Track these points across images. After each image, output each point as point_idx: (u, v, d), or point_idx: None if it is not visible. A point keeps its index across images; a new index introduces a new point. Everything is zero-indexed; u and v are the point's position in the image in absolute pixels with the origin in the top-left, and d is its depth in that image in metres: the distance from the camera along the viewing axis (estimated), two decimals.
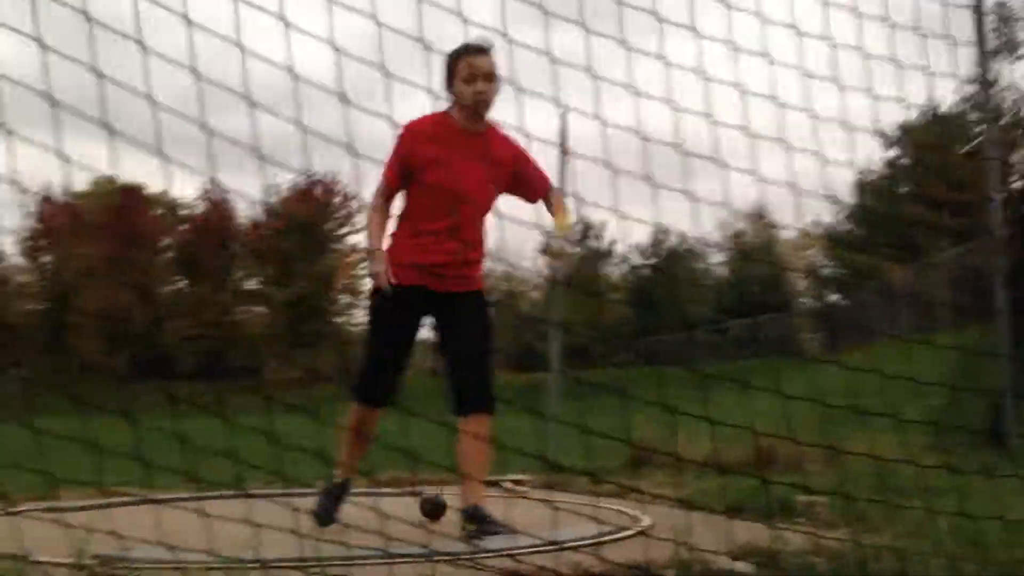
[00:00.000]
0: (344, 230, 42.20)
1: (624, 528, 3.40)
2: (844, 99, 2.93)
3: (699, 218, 2.65)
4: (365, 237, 3.68)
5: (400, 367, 3.69)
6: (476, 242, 3.62)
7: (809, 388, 2.49)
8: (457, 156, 3.47)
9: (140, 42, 2.11)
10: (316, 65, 2.35)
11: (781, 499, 3.92)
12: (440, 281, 3.53)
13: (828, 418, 2.50)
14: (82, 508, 4.01)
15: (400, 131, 3.57)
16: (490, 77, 3.52)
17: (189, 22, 2.17)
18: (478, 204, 3.56)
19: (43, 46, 2.03)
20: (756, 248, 41.64)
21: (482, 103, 3.52)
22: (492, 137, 3.61)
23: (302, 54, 2.33)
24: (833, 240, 36.42)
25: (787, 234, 45.16)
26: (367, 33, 2.43)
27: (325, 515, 3.50)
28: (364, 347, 3.74)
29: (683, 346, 36.12)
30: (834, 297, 37.92)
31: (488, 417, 3.62)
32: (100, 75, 2.09)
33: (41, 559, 2.25)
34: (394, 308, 3.60)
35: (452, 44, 3.52)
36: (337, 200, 41.74)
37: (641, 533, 2.99)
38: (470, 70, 3.51)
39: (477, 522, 3.57)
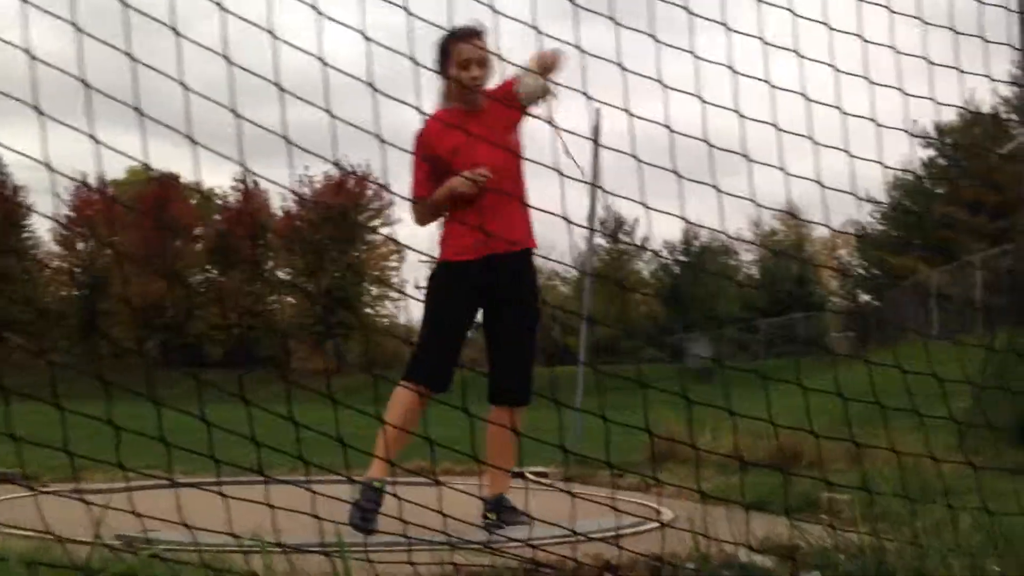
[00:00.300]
0: (377, 222, 42.43)
1: (645, 521, 3.39)
2: (876, 98, 2.89)
3: (730, 215, 2.62)
4: (428, 211, 3.66)
5: (459, 349, 3.65)
6: (514, 217, 3.60)
7: (834, 387, 2.46)
8: (471, 141, 3.46)
9: (174, 29, 2.13)
10: (341, 59, 2.35)
11: (804, 496, 3.89)
12: (495, 247, 3.48)
13: (852, 416, 2.47)
14: (106, 490, 4.07)
15: (419, 130, 3.58)
16: (483, 62, 3.52)
17: (222, 9, 2.18)
18: (502, 180, 3.52)
19: (79, 31, 2.05)
20: (788, 246, 41.31)
21: (477, 88, 3.54)
22: (490, 106, 3.61)
23: (329, 47, 2.32)
24: (865, 240, 36.07)
25: (818, 233, 44.77)
26: (392, 26, 2.43)
27: (363, 525, 3.29)
28: (425, 327, 3.65)
29: (711, 343, 35.93)
30: (865, 297, 37.56)
31: (521, 410, 3.63)
32: (134, 60, 2.11)
33: (65, 538, 2.28)
34: (455, 285, 3.60)
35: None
36: (370, 192, 41.93)
37: (662, 526, 2.98)
38: (464, 55, 3.51)
39: (499, 512, 3.58)
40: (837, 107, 2.85)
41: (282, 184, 2.49)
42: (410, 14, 2.41)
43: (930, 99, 3.00)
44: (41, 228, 42.76)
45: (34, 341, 38.78)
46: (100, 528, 2.09)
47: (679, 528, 2.41)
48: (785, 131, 2.69)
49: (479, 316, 3.74)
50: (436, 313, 3.63)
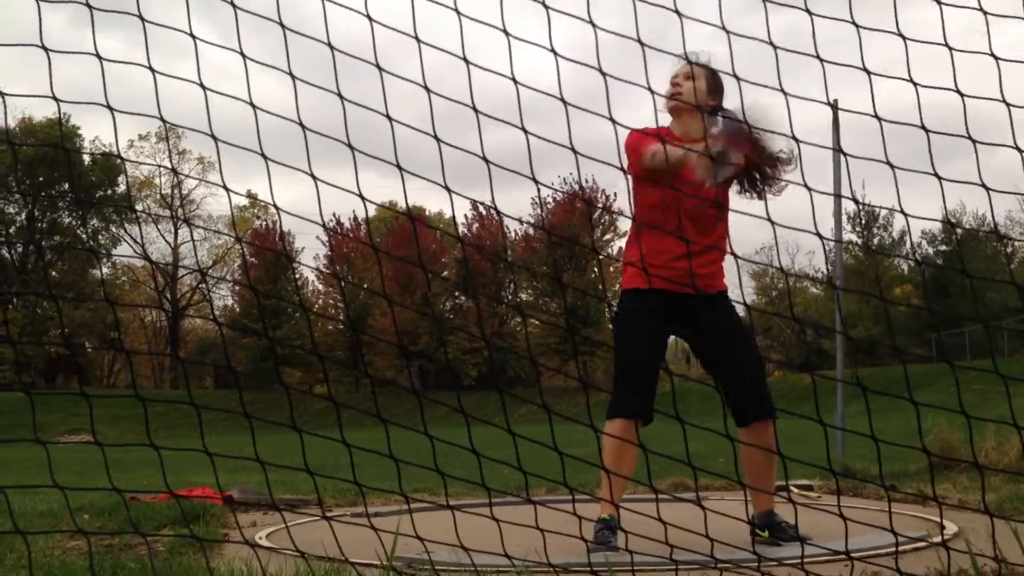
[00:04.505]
0: (608, 236, 42.73)
1: (924, 537, 3.18)
2: None
3: (997, 196, 2.42)
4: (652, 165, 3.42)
5: (656, 374, 3.57)
6: (705, 259, 3.55)
7: None
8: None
9: (428, 90, 2.27)
10: (542, 75, 2.41)
11: None
12: (682, 286, 3.42)
13: None
14: (385, 513, 4.34)
15: (643, 129, 3.54)
16: (687, 76, 3.55)
17: (419, 43, 2.30)
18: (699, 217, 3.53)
19: (344, 99, 2.24)
20: None
21: (679, 93, 3.55)
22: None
23: (525, 65, 2.36)
24: None
25: None
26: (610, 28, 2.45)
27: (608, 548, 3.24)
28: (618, 357, 3.55)
29: (985, 338, 33.11)
30: None
31: (770, 422, 3.53)
32: (388, 117, 2.27)
33: (353, 561, 2.46)
34: (643, 312, 3.54)
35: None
36: (599, 207, 42.27)
37: (943, 543, 2.79)
38: (672, 77, 3.60)
39: (770, 528, 3.49)
40: None
41: (502, 211, 2.56)
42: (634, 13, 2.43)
43: None
44: (306, 268, 46.43)
45: (309, 375, 42.15)
46: (386, 551, 2.24)
47: (960, 551, 2.25)
48: None
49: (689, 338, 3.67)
50: (624, 337, 3.56)
